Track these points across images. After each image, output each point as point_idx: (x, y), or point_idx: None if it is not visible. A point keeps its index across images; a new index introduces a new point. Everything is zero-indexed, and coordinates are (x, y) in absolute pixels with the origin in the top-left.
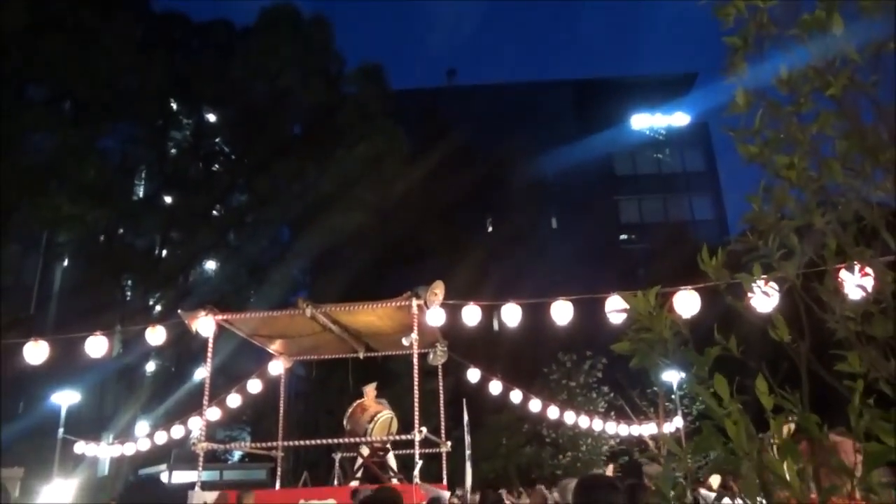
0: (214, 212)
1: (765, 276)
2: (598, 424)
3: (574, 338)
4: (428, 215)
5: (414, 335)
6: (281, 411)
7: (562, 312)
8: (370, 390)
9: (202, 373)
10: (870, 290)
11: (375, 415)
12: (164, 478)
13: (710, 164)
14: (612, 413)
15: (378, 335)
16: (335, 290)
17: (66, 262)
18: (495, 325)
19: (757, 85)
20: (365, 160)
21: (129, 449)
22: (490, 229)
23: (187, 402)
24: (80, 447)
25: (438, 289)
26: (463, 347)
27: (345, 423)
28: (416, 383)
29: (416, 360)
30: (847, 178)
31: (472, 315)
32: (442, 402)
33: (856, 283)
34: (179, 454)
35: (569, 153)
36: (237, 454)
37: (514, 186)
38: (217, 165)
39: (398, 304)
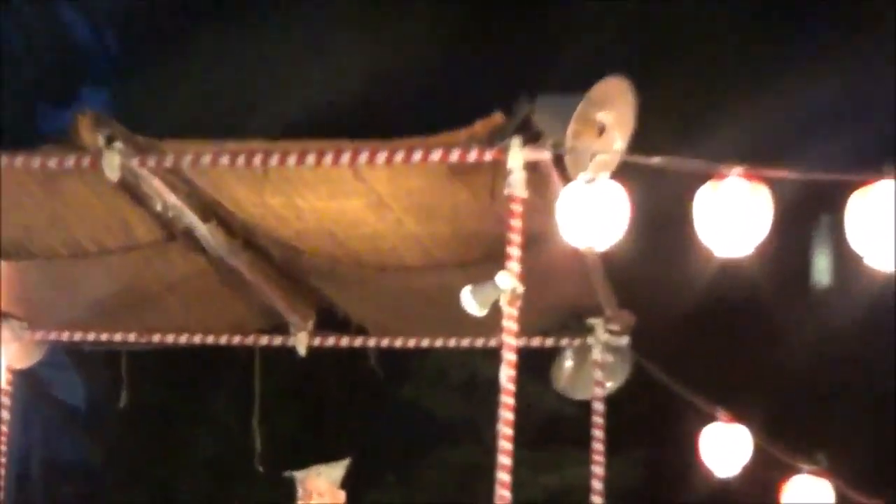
0: None
1: None
2: None
3: None
4: None
5: (506, 280)
6: None
7: None
8: (323, 485)
9: None
10: None
11: None
12: None
13: None
14: None
15: (368, 268)
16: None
17: None
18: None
19: None
20: None
21: None
22: None
23: None
24: None
25: (612, 107)
26: (688, 345)
27: None
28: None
29: (506, 373)
30: None
31: (744, 211)
32: None
33: None
34: None
35: None
36: None
37: None
38: None
39: (447, 151)
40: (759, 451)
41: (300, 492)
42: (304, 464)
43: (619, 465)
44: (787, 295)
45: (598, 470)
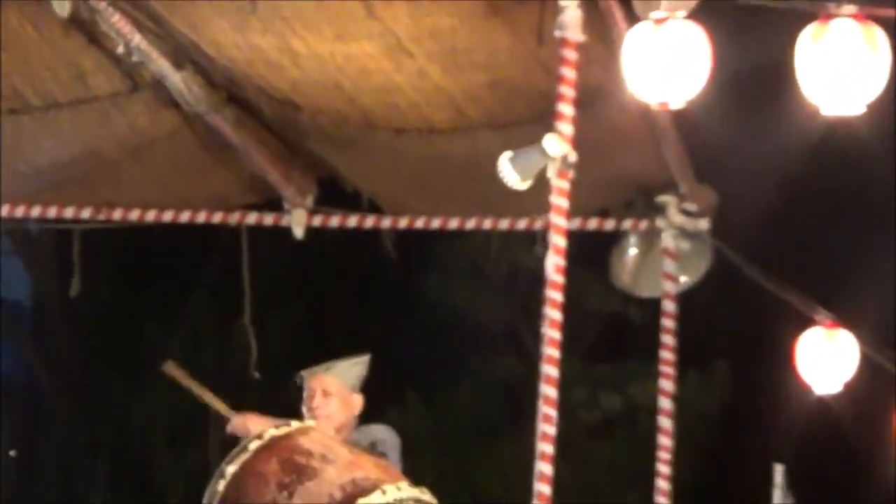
0: None
1: None
2: None
3: None
4: None
5: (554, 145)
6: None
7: None
8: (333, 384)
9: None
10: None
11: (349, 502)
12: None
13: None
14: None
15: (382, 130)
16: None
17: None
18: None
19: None
20: None
21: None
22: None
23: None
24: None
25: None
26: (782, 230)
27: None
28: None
29: (553, 262)
30: None
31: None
32: None
33: None
34: None
35: None
36: None
37: None
38: None
39: None
40: (867, 362)
41: (305, 393)
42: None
43: (694, 382)
44: None
45: (667, 386)
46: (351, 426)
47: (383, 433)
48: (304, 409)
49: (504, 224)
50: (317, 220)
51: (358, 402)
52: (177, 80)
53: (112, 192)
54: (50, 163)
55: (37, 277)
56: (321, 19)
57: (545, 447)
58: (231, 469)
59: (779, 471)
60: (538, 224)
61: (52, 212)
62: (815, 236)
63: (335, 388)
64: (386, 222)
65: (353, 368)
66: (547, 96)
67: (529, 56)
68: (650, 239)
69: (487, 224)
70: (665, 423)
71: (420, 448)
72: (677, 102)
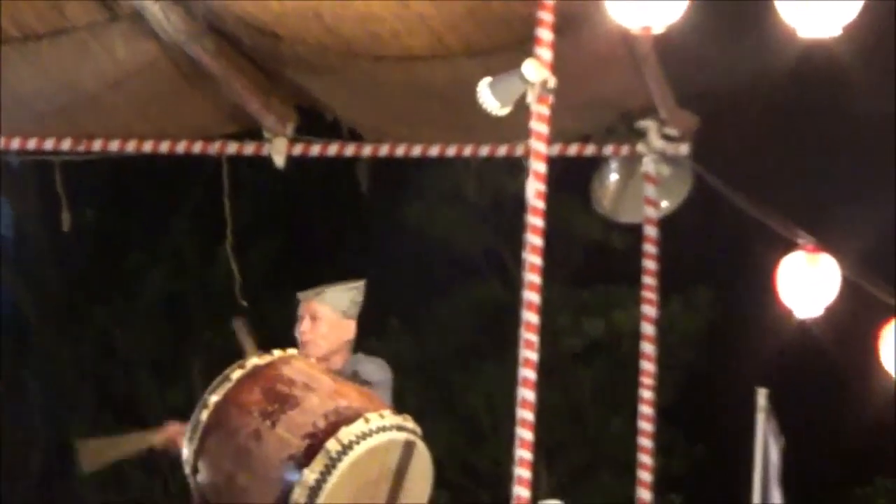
0: None
1: None
2: None
3: None
4: None
5: (533, 70)
6: None
7: None
8: (323, 309)
9: None
10: None
11: (333, 430)
12: None
13: None
14: None
15: (362, 58)
16: None
17: None
18: None
19: None
20: None
21: None
22: None
23: None
24: None
25: None
26: (762, 154)
27: (185, 448)
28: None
29: (534, 188)
30: None
31: None
32: None
33: None
34: None
35: None
36: None
37: None
38: None
39: None
40: (849, 286)
41: (298, 316)
42: (283, 299)
43: (677, 307)
44: (890, 90)
45: (649, 311)
46: (343, 352)
47: (376, 373)
48: (296, 333)
49: (484, 150)
50: (297, 149)
51: (349, 328)
52: (155, 9)
53: (92, 122)
54: (29, 94)
55: (18, 209)
56: None
57: (527, 373)
58: (214, 399)
59: (762, 395)
60: (519, 150)
61: (31, 143)
62: (796, 160)
63: (324, 314)
64: (366, 150)
65: (346, 294)
66: (527, 22)
67: None
68: (631, 164)
69: (468, 151)
70: (648, 348)
71: (402, 375)
72: (659, 26)
